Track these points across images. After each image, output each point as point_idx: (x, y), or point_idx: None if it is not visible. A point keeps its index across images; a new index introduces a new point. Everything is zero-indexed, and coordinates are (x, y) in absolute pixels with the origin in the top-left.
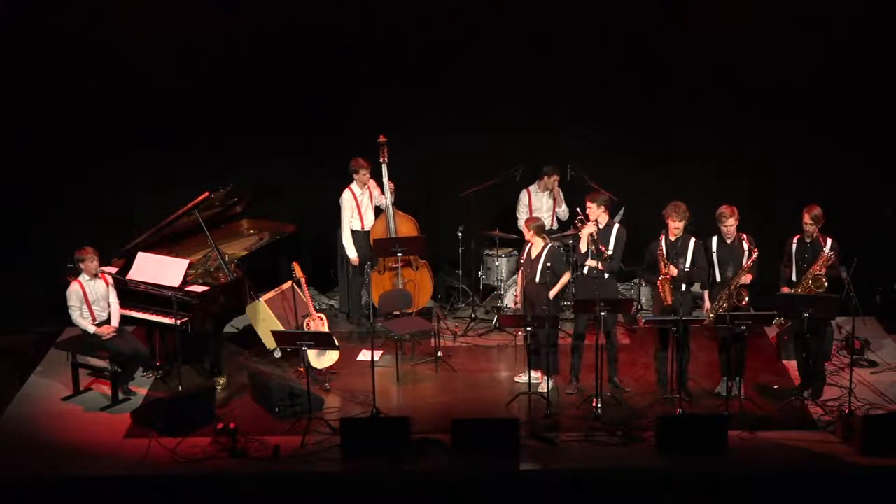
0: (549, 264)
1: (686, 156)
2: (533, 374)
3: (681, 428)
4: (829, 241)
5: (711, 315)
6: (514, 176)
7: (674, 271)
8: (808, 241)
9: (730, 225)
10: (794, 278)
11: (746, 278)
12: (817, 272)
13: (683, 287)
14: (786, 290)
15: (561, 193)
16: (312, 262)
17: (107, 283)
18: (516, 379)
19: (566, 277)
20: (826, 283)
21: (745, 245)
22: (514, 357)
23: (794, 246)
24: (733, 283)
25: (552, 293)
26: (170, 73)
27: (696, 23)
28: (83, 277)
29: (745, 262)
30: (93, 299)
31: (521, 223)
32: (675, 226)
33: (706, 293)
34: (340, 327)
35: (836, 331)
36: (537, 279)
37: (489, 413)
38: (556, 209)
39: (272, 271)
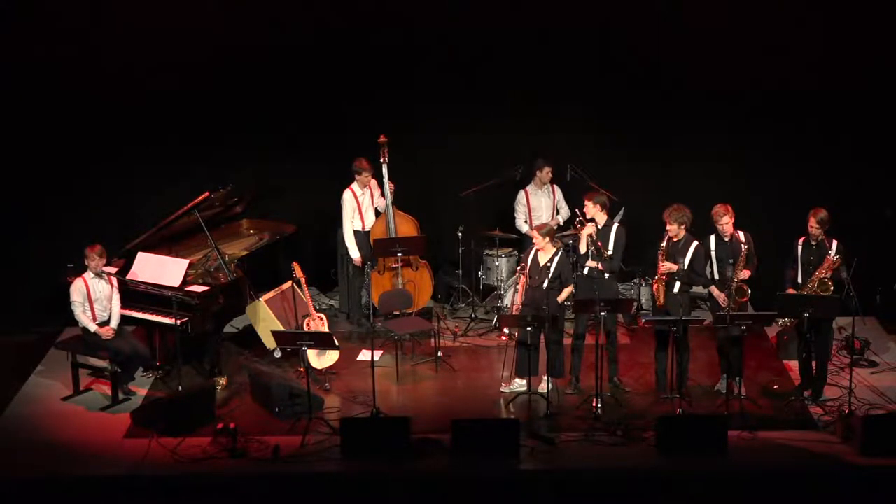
0: (559, 272)
1: (686, 156)
2: (519, 381)
3: (681, 428)
4: (834, 243)
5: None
6: (514, 176)
7: (671, 266)
8: (813, 243)
9: (725, 223)
10: (799, 280)
11: (744, 274)
12: (823, 276)
13: (676, 288)
14: (792, 292)
15: (560, 193)
16: (312, 262)
17: (111, 285)
18: (503, 389)
19: (572, 287)
20: (832, 287)
21: (742, 242)
22: (509, 362)
23: (800, 248)
24: (735, 281)
25: (560, 298)
26: (170, 73)
27: (696, 22)
28: (88, 275)
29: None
30: (95, 297)
31: (520, 224)
32: (670, 228)
33: (713, 287)
34: (340, 327)
35: (835, 331)
36: (545, 285)
37: (489, 413)
38: (558, 209)
39: (272, 271)
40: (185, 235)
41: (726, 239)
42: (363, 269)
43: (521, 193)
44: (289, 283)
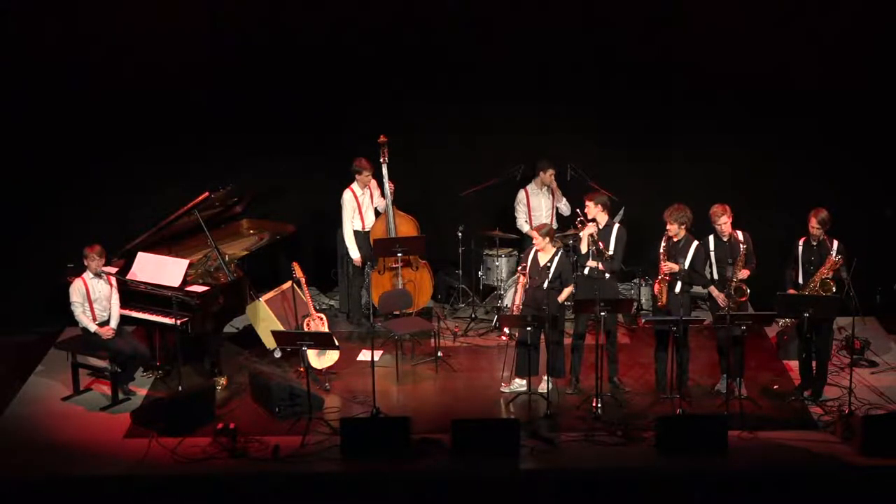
0: (559, 272)
1: (686, 156)
2: (519, 381)
3: (681, 428)
4: (835, 243)
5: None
6: (515, 176)
7: (673, 266)
8: (814, 243)
9: (723, 223)
10: (800, 281)
11: (743, 273)
12: (825, 276)
13: (678, 288)
14: (793, 292)
15: (558, 188)
16: (312, 262)
17: (111, 285)
18: (503, 389)
19: (572, 287)
20: (834, 287)
21: (741, 242)
22: (509, 362)
23: (801, 248)
24: (734, 280)
25: (561, 298)
26: (170, 73)
27: (697, 22)
28: (87, 275)
29: (739, 258)
30: (95, 297)
31: (521, 223)
32: (670, 228)
33: (713, 287)
34: (340, 327)
35: (835, 331)
36: (545, 285)
37: (489, 413)
38: (557, 204)
39: (272, 271)
40: (185, 235)
41: (725, 239)
42: (363, 269)
43: (522, 193)
44: (289, 283)
